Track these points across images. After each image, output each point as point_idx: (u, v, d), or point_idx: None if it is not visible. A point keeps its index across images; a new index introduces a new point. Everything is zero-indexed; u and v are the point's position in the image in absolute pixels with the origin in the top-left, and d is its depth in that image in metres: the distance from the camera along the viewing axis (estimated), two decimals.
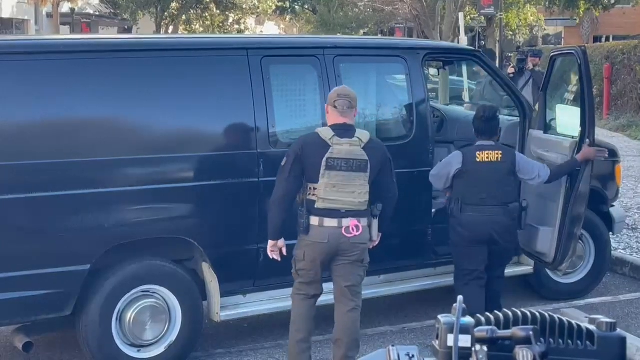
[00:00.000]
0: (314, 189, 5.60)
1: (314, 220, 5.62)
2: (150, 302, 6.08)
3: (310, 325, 5.84)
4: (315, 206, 5.61)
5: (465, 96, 11.33)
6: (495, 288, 6.70)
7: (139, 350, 6.08)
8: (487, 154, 6.49)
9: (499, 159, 6.50)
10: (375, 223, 5.80)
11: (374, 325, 7.12)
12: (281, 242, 5.76)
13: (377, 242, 5.90)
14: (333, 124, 5.71)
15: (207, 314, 6.43)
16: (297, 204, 5.75)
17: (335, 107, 5.68)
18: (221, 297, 6.30)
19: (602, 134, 14.60)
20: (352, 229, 5.60)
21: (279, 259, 5.81)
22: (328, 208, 5.59)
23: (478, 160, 6.48)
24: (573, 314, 6.60)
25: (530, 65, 13.47)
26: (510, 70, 13.59)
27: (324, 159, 5.55)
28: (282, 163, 5.69)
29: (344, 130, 5.64)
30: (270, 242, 5.77)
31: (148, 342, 6.09)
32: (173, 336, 6.16)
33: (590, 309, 7.54)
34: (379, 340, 6.81)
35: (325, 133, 5.65)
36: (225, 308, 6.38)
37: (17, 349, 6.04)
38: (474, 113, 6.88)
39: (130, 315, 6.00)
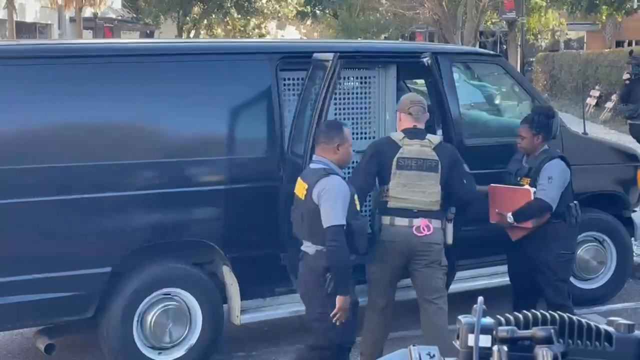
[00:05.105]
0: (387, 189, 5.75)
1: (386, 220, 5.77)
2: (171, 305, 6.11)
3: (379, 337, 5.99)
4: (388, 205, 5.75)
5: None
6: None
7: (159, 353, 6.10)
8: None
9: None
10: (450, 227, 5.83)
11: (392, 330, 7.09)
12: None
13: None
14: (404, 128, 5.84)
15: (227, 317, 6.44)
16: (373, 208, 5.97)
17: (410, 113, 5.81)
18: (241, 300, 6.31)
19: (623, 139, 14.48)
20: (423, 229, 5.68)
21: None
22: (400, 207, 5.71)
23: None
24: (594, 320, 6.57)
25: None
26: (626, 76, 13.11)
27: (395, 159, 5.71)
28: (359, 162, 5.98)
29: (415, 133, 5.77)
30: None
31: (169, 344, 6.11)
32: (193, 339, 6.18)
33: (611, 315, 7.40)
34: (396, 344, 6.77)
35: (396, 135, 5.84)
36: (246, 311, 6.38)
37: (39, 350, 6.09)
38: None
39: (151, 317, 6.03)
